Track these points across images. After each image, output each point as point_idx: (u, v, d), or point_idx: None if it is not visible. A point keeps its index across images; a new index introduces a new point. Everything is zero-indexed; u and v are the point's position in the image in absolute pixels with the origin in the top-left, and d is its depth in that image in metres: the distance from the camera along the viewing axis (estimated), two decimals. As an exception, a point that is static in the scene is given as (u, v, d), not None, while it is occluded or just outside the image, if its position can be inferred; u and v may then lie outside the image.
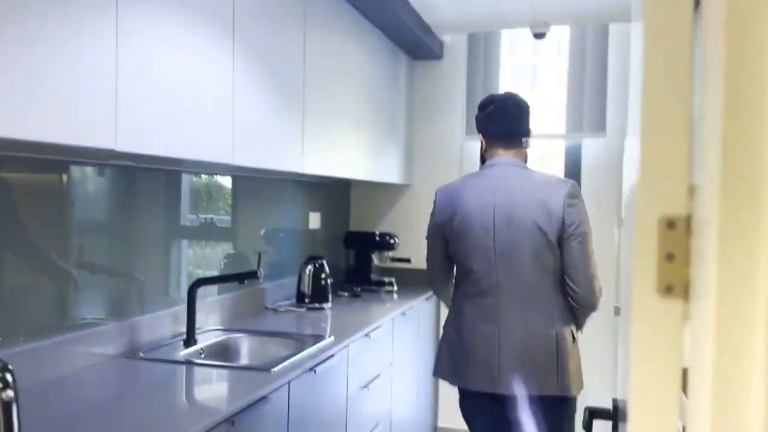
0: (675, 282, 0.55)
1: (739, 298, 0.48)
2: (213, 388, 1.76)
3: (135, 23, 1.53)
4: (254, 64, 2.08)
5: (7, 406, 1.06)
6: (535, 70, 4.28)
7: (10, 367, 1.11)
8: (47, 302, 1.76)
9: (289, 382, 1.86)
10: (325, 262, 3.04)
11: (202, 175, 2.47)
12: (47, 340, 1.72)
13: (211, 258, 2.59)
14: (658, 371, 0.55)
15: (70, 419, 1.45)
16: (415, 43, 3.51)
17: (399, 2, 2.99)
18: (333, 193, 3.76)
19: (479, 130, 2.23)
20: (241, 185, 2.70)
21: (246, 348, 2.37)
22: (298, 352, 2.08)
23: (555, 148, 3.94)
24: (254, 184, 2.80)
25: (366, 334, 2.54)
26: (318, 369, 2.06)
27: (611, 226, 3.59)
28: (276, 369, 1.87)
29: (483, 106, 2.21)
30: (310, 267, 2.99)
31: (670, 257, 0.55)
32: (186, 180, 2.36)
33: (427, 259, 2.23)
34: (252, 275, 2.20)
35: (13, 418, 1.07)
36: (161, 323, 2.21)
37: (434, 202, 2.22)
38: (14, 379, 1.09)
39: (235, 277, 2.23)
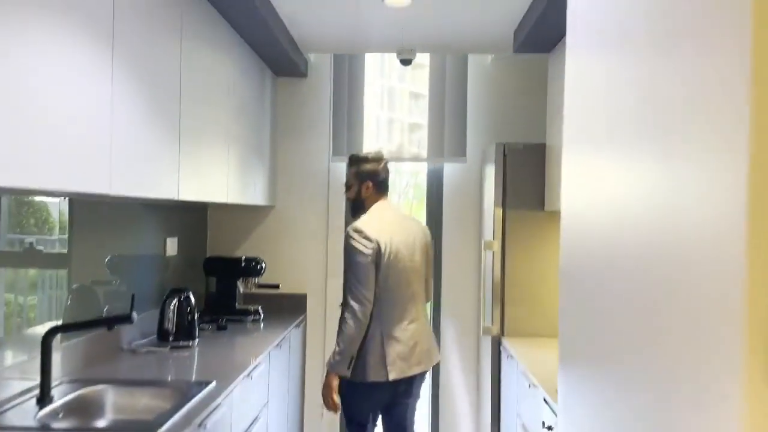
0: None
1: None
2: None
3: None
4: (134, 79, 1.82)
5: None
6: (398, 94, 4.35)
7: None
8: None
9: (181, 444, 1.64)
10: (191, 295, 2.78)
11: (31, 198, 2.10)
12: None
13: (52, 297, 2.21)
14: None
15: None
16: (283, 60, 3.37)
17: (271, 17, 2.84)
18: (189, 216, 3.46)
19: (368, 179, 2.61)
20: (81, 210, 2.32)
21: (111, 402, 2.05)
22: (182, 404, 1.84)
23: (418, 170, 4.02)
24: (98, 208, 2.46)
25: (248, 375, 2.34)
26: (208, 423, 1.84)
27: (471, 245, 3.74)
28: (163, 430, 1.64)
29: (376, 160, 2.65)
30: (174, 301, 2.71)
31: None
32: (6, 203, 1.99)
33: (363, 282, 2.43)
34: (124, 320, 1.92)
35: None
36: (6, 378, 1.83)
37: (365, 237, 2.47)
38: None
39: (103, 323, 1.93)
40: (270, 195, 3.64)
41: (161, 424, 1.67)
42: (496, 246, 3.18)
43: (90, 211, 2.34)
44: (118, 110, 1.72)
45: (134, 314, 1.91)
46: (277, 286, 3.52)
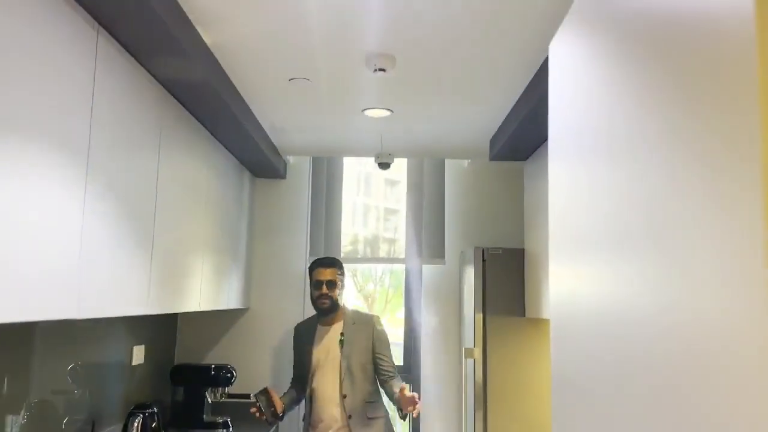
0: None
1: None
2: None
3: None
4: (107, 200, 1.77)
5: None
6: (375, 183, 4.36)
7: None
8: None
9: None
10: (156, 411, 2.61)
11: None
12: None
13: (6, 412, 2.04)
14: None
15: None
16: (262, 163, 3.38)
17: (252, 125, 2.86)
18: (158, 323, 3.33)
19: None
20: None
21: None
22: None
23: (397, 270, 3.97)
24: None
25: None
26: None
27: (452, 351, 3.64)
28: None
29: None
30: (138, 418, 2.54)
31: None
32: None
33: None
34: (81, 451, 1.76)
35: None
36: None
37: None
38: None
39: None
40: (244, 297, 3.53)
41: None
42: (478, 353, 3.09)
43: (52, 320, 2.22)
44: (88, 234, 1.65)
45: (93, 445, 1.76)
46: (248, 396, 3.35)
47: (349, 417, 2.82)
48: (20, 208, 1.36)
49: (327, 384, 2.87)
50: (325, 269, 2.95)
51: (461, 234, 3.75)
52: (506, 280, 3.13)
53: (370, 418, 2.87)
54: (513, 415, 3.00)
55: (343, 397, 2.84)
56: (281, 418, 2.83)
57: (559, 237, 1.23)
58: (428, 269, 3.75)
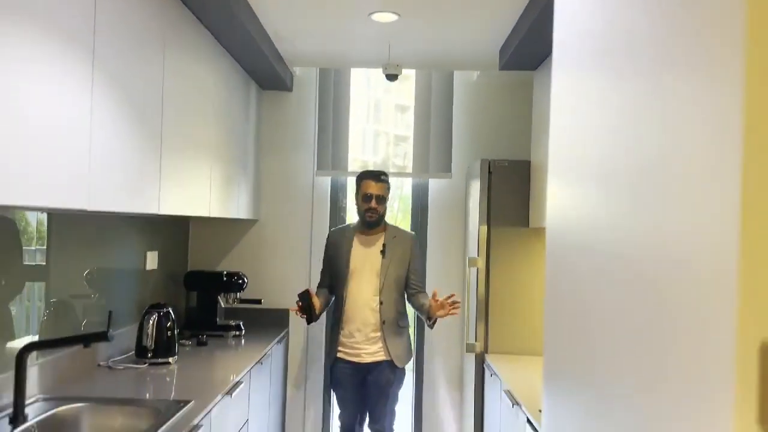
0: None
1: None
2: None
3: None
4: (114, 93, 1.79)
5: None
6: (384, 107, 4.34)
7: None
8: None
9: (157, 467, 1.59)
10: (171, 311, 2.72)
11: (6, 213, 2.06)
12: None
13: (29, 311, 2.16)
14: None
15: None
16: (268, 73, 3.36)
17: (257, 31, 2.83)
18: (171, 230, 3.42)
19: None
20: (60, 222, 2.27)
21: (87, 422, 2.00)
22: (160, 425, 1.80)
23: (403, 182, 4.01)
24: (77, 221, 2.41)
25: (228, 393, 2.30)
26: (186, 443, 1.80)
27: (456, 261, 3.73)
28: (139, 451, 1.60)
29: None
30: (154, 317, 2.66)
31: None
32: None
33: None
34: (100, 337, 1.87)
35: None
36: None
37: None
38: None
39: (79, 340, 1.88)
40: (254, 209, 3.61)
41: (137, 446, 1.62)
42: (481, 263, 3.17)
43: (69, 223, 2.30)
44: (97, 125, 1.69)
45: (111, 332, 1.87)
46: (259, 302, 3.48)
47: (383, 323, 2.96)
48: (31, 99, 1.39)
49: (364, 290, 2.99)
50: (375, 183, 3.01)
51: (468, 148, 3.75)
52: (511, 191, 3.17)
53: (400, 326, 3.03)
54: (514, 323, 3.11)
55: (380, 303, 2.97)
56: (317, 318, 3.00)
57: (558, 148, 1.24)
58: (435, 184, 3.79)
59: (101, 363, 2.53)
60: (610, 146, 0.92)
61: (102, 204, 1.71)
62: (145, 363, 2.59)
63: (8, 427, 1.75)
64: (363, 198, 3.01)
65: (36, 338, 2.09)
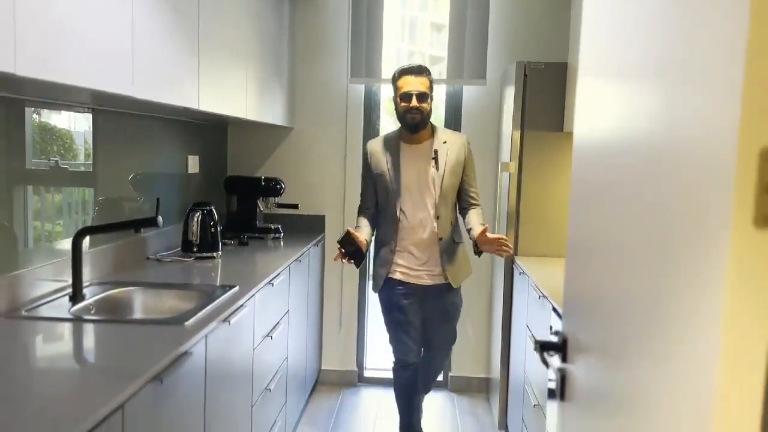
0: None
1: None
2: (126, 346, 1.58)
3: None
4: (152, -14, 1.83)
5: None
6: (419, 27, 4.26)
7: None
8: None
9: (206, 335, 1.74)
10: (213, 209, 2.86)
11: (58, 110, 2.15)
12: None
13: (79, 210, 2.30)
14: (753, 302, 0.57)
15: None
16: (301, -23, 3.32)
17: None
18: (210, 135, 3.51)
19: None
20: (105, 125, 2.36)
21: (140, 302, 2.17)
22: (207, 303, 1.94)
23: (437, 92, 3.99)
24: (121, 123, 2.50)
25: (270, 282, 2.44)
26: (232, 320, 1.95)
27: (488, 167, 3.75)
28: (189, 322, 1.74)
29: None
30: (198, 214, 2.79)
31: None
32: (30, 133, 2.03)
33: None
34: (150, 222, 2.00)
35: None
36: (39, 278, 1.94)
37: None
38: None
39: (130, 225, 2.01)
40: (289, 116, 3.66)
41: (188, 318, 1.76)
42: (513, 168, 3.19)
43: (113, 127, 2.39)
44: (138, 17, 1.74)
45: (160, 218, 1.98)
46: (296, 206, 3.59)
47: (440, 239, 2.68)
48: (74, -20, 1.44)
49: (418, 206, 2.66)
50: (414, 78, 2.61)
51: (503, 52, 3.69)
52: (547, 95, 3.14)
53: (456, 242, 2.75)
54: (543, 227, 3.16)
55: (437, 218, 2.66)
56: (364, 257, 2.68)
57: (591, 46, 1.24)
58: (469, 91, 3.76)
59: (150, 256, 2.70)
60: (643, 42, 0.92)
61: (145, 91, 1.79)
62: (190, 257, 2.75)
63: (68, 305, 1.91)
64: (402, 97, 2.61)
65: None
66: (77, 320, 1.79)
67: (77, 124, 2.19)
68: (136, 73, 1.73)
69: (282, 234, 3.48)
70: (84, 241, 2.01)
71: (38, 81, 1.35)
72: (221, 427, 1.92)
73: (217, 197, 3.50)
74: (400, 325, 2.75)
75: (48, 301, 1.92)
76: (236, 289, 2.16)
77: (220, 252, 2.85)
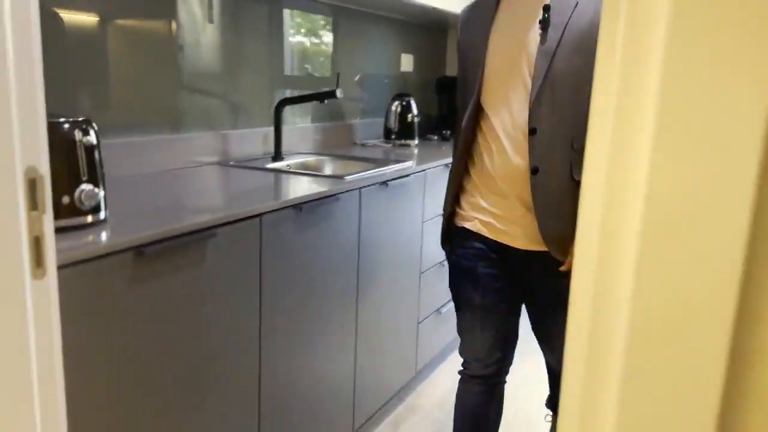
0: None
1: None
2: (289, 187, 1.88)
3: None
4: None
5: (89, 149, 1.22)
6: None
7: (94, 125, 1.25)
8: (152, 109, 1.93)
9: (360, 189, 1.96)
10: (412, 100, 3.05)
11: (302, 9, 2.49)
12: (150, 137, 1.91)
13: (306, 87, 2.66)
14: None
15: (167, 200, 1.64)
16: None
17: None
18: (428, 35, 3.67)
19: None
20: (338, 18, 2.68)
21: (329, 167, 2.49)
22: (371, 168, 2.15)
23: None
24: (351, 18, 2.79)
25: (446, 165, 2.56)
26: (391, 183, 2.14)
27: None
28: (349, 177, 1.97)
29: None
30: (396, 103, 3.01)
31: None
32: (286, 13, 2.39)
33: None
34: (331, 95, 2.26)
35: (96, 159, 1.22)
36: (251, 140, 2.36)
37: None
38: (96, 133, 1.24)
39: (316, 96, 2.30)
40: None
41: (350, 175, 2.00)
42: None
43: (344, 20, 2.70)
44: None
45: (339, 90, 2.24)
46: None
47: (535, 171, 1.45)
48: None
49: (513, 107, 1.47)
50: None
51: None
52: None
53: (575, 181, 1.44)
54: None
55: (531, 133, 1.43)
56: None
57: None
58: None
59: (356, 141, 3.02)
60: None
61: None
62: (390, 143, 3.00)
63: (270, 162, 2.30)
64: None
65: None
66: (271, 171, 2.17)
67: (317, 21, 2.53)
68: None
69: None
70: (303, 119, 2.37)
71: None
72: (367, 260, 2.16)
73: (429, 97, 3.68)
74: (473, 309, 1.66)
75: (255, 159, 2.33)
76: (408, 163, 2.33)
77: (416, 141, 3.04)
